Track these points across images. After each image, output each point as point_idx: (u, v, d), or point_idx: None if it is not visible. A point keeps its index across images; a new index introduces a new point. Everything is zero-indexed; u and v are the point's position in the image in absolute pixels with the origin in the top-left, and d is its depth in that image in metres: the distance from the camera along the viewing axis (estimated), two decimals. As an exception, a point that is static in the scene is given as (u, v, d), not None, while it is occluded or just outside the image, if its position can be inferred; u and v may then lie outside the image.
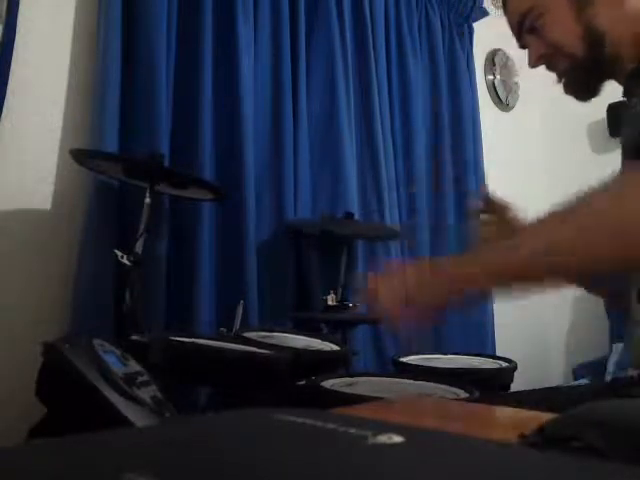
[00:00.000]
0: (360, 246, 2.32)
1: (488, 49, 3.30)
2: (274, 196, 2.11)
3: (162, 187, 1.65)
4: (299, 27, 2.25)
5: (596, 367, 2.92)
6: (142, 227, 1.58)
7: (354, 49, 2.46)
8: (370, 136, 2.43)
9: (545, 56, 0.97)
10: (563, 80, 0.98)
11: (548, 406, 0.62)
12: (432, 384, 1.37)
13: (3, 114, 1.60)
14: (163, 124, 1.82)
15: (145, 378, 1.12)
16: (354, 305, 2.04)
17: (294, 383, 1.37)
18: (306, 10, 2.30)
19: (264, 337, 1.60)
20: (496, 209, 1.10)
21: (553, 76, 0.99)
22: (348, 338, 2.02)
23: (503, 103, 3.37)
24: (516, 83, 3.42)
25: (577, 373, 3.10)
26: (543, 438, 0.39)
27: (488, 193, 1.08)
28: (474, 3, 3.01)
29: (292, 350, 1.47)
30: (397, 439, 0.30)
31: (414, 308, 0.83)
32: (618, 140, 0.95)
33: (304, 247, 2.15)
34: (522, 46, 1.01)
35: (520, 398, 0.96)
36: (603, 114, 3.04)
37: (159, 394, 1.11)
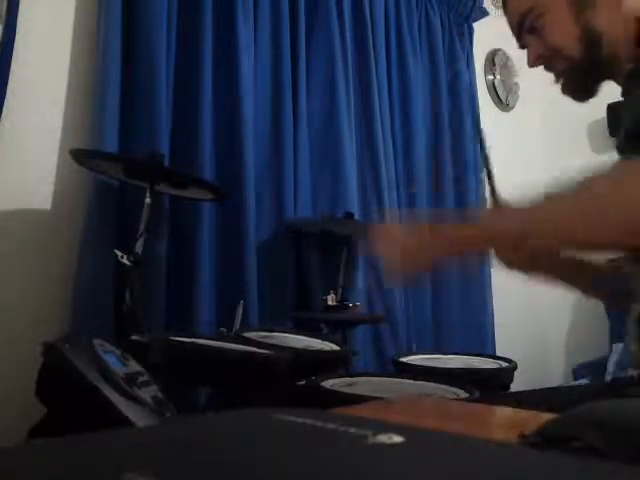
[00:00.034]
0: (360, 246, 2.32)
1: (488, 49, 3.30)
2: (274, 196, 2.11)
3: (162, 187, 1.65)
4: (299, 27, 2.25)
5: (596, 367, 2.92)
6: (142, 227, 1.58)
7: (354, 49, 2.46)
8: (370, 136, 2.43)
9: (543, 56, 0.97)
10: (561, 81, 0.98)
11: (548, 406, 0.63)
12: (432, 384, 1.37)
13: (3, 114, 1.60)
14: (163, 124, 1.82)
15: (145, 378, 1.12)
16: (354, 305, 2.05)
17: (294, 383, 1.37)
18: (306, 10, 2.30)
19: (264, 337, 1.60)
20: None
21: (552, 76, 0.99)
22: (348, 338, 2.02)
23: (503, 103, 3.37)
24: (516, 83, 3.42)
25: (577, 373, 3.10)
26: (543, 438, 0.39)
27: (496, 194, 1.08)
28: (474, 3, 3.01)
29: (292, 350, 1.47)
30: (397, 439, 0.30)
31: (413, 264, 0.87)
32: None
33: (304, 247, 2.15)
34: (522, 46, 1.01)
35: (520, 398, 0.97)
36: (603, 114, 3.04)
37: (160, 394, 1.11)
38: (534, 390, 1.03)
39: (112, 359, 1.10)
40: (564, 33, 0.93)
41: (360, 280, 2.27)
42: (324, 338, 1.71)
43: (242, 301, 1.74)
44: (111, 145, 1.72)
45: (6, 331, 1.60)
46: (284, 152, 2.13)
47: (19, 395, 1.34)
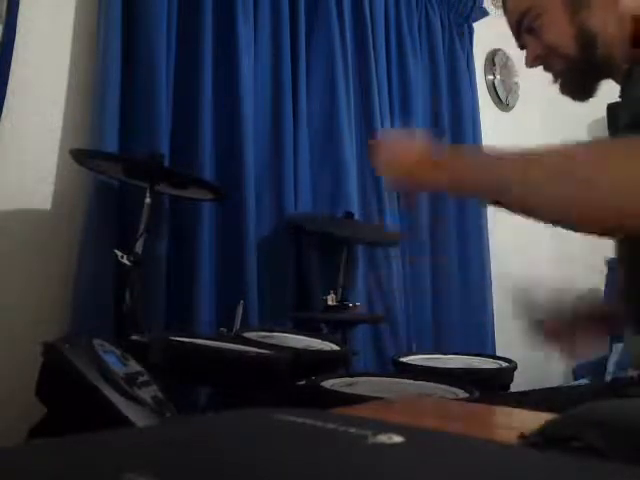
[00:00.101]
0: (360, 246, 2.32)
1: (488, 49, 3.30)
2: (274, 196, 2.11)
3: (162, 187, 1.65)
4: (299, 27, 2.25)
5: (596, 367, 2.92)
6: (142, 227, 1.58)
7: (354, 49, 2.46)
8: (370, 136, 2.43)
9: (541, 56, 0.98)
10: (559, 80, 0.98)
11: (548, 406, 0.62)
12: (432, 384, 1.37)
13: (3, 114, 1.60)
14: (163, 124, 1.82)
15: (145, 378, 1.12)
16: (354, 305, 2.05)
17: (294, 383, 1.37)
18: (306, 10, 2.30)
19: (264, 337, 1.60)
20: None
21: (551, 76, 1.00)
22: (348, 338, 2.03)
23: (503, 103, 3.37)
24: (516, 83, 3.41)
25: (577, 373, 3.10)
26: (543, 438, 0.39)
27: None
28: (474, 3, 3.01)
29: (292, 350, 1.47)
30: (397, 439, 0.30)
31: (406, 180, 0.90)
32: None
33: (304, 247, 2.15)
34: (521, 46, 1.01)
35: (520, 398, 0.97)
36: (603, 114, 3.02)
37: (160, 394, 1.11)
38: (534, 390, 1.03)
39: (112, 359, 1.10)
40: (560, 33, 0.93)
41: (360, 280, 2.27)
42: (324, 338, 1.71)
43: (242, 301, 1.74)
44: (111, 145, 1.72)
45: (6, 331, 1.60)
46: (284, 152, 2.13)
47: (19, 395, 1.34)
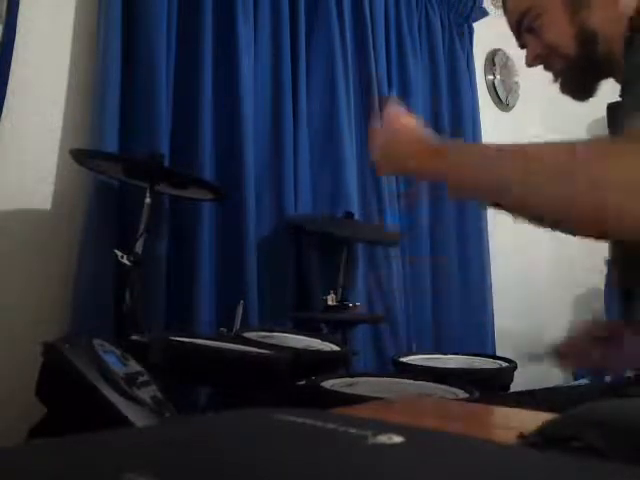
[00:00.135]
0: (360, 246, 2.32)
1: (488, 49, 3.30)
2: (274, 196, 2.11)
3: (162, 187, 1.65)
4: (299, 27, 2.25)
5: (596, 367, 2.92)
6: (142, 227, 1.58)
7: (354, 49, 2.46)
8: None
9: (542, 56, 0.98)
10: (559, 80, 0.99)
11: (548, 406, 0.62)
12: (432, 384, 1.37)
13: (3, 114, 1.60)
14: (163, 124, 1.82)
15: (145, 378, 1.12)
16: (354, 305, 2.05)
17: (294, 383, 1.37)
18: (306, 10, 2.30)
19: (264, 337, 1.60)
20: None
21: (551, 75, 1.00)
22: (348, 338, 2.03)
23: (503, 103, 3.37)
24: (516, 83, 3.41)
25: (577, 373, 3.09)
26: (543, 438, 0.39)
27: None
28: (474, 3, 3.01)
29: (292, 350, 1.47)
30: (397, 439, 0.30)
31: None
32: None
33: (304, 246, 2.15)
34: (521, 45, 1.01)
35: (520, 398, 0.97)
36: (603, 113, 3.03)
37: (159, 394, 1.11)
38: (534, 390, 1.03)
39: (112, 359, 1.10)
40: (560, 32, 0.94)
41: (360, 280, 2.27)
42: (324, 338, 1.71)
43: (242, 301, 1.74)
44: (111, 145, 1.72)
45: (6, 331, 1.60)
46: (284, 152, 2.13)
47: (19, 395, 1.34)
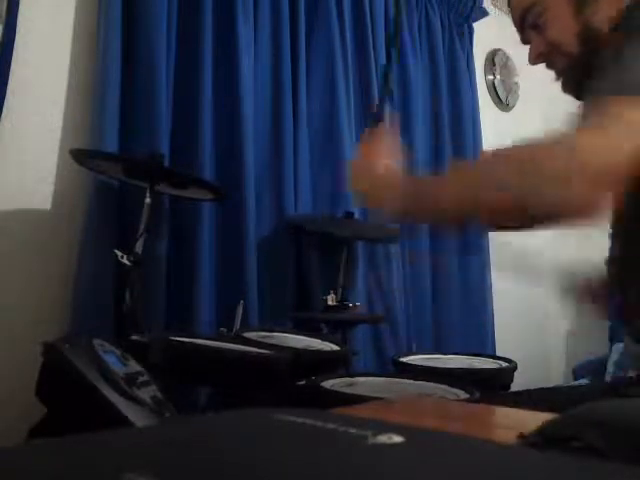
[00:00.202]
0: (360, 246, 2.32)
1: (488, 49, 3.30)
2: (274, 196, 2.11)
3: (162, 187, 1.65)
4: (299, 27, 2.25)
5: (596, 367, 2.92)
6: (142, 227, 1.58)
7: (354, 49, 2.46)
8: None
9: (544, 54, 0.98)
10: (561, 79, 0.98)
11: (548, 406, 0.62)
12: (432, 384, 1.37)
13: (3, 114, 1.60)
14: (163, 124, 1.82)
15: (145, 378, 1.12)
16: (354, 305, 2.05)
17: (294, 383, 1.37)
18: (306, 10, 2.30)
19: (264, 337, 1.60)
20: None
21: (552, 75, 1.00)
22: (348, 338, 2.03)
23: (503, 103, 3.37)
24: (516, 83, 3.42)
25: (577, 373, 3.10)
26: (543, 438, 0.39)
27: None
28: (474, 3, 3.01)
29: (292, 350, 1.47)
30: (397, 439, 0.30)
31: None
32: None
33: (304, 246, 2.15)
34: (525, 41, 1.01)
35: (520, 398, 0.97)
36: (603, 114, 3.03)
37: (159, 394, 1.11)
38: (534, 390, 1.03)
39: (112, 359, 1.10)
40: (563, 29, 0.93)
41: (360, 280, 2.27)
42: (324, 338, 1.71)
43: (242, 301, 1.74)
44: (111, 145, 1.72)
45: (6, 331, 1.60)
46: (284, 152, 2.13)
47: (19, 395, 1.34)
